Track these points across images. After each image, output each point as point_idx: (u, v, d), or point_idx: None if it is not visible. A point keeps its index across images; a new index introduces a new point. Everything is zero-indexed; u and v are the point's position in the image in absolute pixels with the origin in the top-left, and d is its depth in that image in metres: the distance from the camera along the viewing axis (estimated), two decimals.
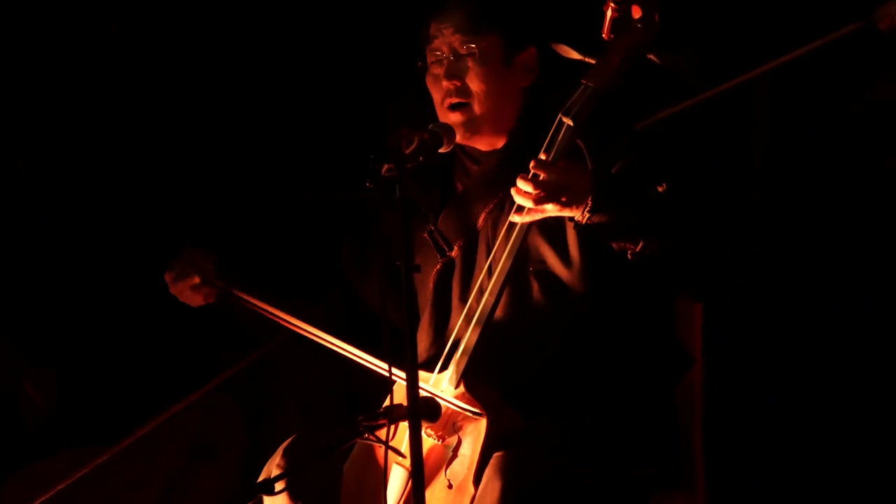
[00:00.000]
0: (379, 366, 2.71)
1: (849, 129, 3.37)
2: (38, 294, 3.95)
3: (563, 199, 2.63)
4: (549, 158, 2.69)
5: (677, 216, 2.69)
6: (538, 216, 2.67)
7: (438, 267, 2.90)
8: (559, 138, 2.71)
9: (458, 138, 2.85)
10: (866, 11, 2.83)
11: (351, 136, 3.92)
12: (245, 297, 2.90)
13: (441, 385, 2.74)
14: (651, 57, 2.72)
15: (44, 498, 3.24)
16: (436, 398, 2.69)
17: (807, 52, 3.01)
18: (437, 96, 2.89)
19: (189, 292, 2.94)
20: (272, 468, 2.78)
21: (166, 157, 4.08)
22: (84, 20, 4.03)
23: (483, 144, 2.90)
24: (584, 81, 2.72)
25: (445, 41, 2.84)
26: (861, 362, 3.42)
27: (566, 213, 2.65)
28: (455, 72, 2.84)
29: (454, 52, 2.84)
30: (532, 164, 2.65)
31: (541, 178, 2.63)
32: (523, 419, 2.67)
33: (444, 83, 2.84)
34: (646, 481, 2.73)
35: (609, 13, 2.70)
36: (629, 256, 2.66)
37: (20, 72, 3.99)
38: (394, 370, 2.56)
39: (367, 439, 2.55)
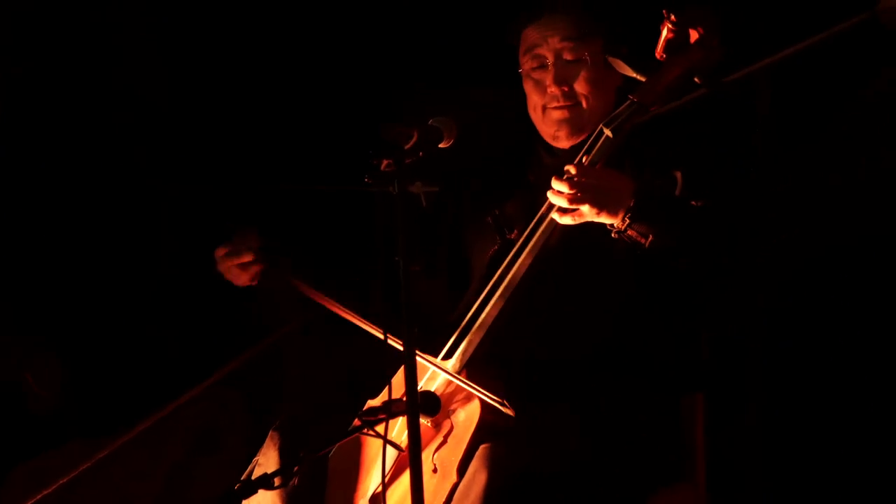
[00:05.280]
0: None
1: (846, 125, 3.35)
2: (44, 284, 3.96)
3: (601, 203, 2.65)
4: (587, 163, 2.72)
5: (711, 230, 2.71)
6: (577, 219, 2.68)
7: (495, 247, 2.94)
8: (596, 147, 2.74)
9: (563, 138, 2.92)
10: (870, 3, 2.81)
11: (362, 128, 3.91)
12: (290, 279, 2.91)
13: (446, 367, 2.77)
14: (697, 80, 2.72)
15: (50, 489, 3.26)
16: (446, 375, 2.72)
17: (810, 45, 2.99)
18: (537, 100, 2.94)
19: (237, 270, 2.94)
20: (266, 461, 2.80)
21: (176, 148, 4.09)
22: (94, 14, 4.03)
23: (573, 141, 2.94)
24: (630, 97, 2.75)
25: (550, 47, 2.89)
26: (861, 357, 3.41)
27: (604, 217, 2.67)
28: (563, 77, 2.89)
29: (559, 57, 2.88)
30: (570, 167, 2.67)
31: (576, 179, 2.65)
32: (518, 413, 2.67)
33: (552, 89, 2.89)
34: (640, 478, 2.73)
35: (665, 32, 2.71)
36: (646, 246, 2.67)
37: (32, 65, 4.00)
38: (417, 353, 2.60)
39: (366, 434, 2.56)
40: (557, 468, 2.60)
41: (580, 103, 2.90)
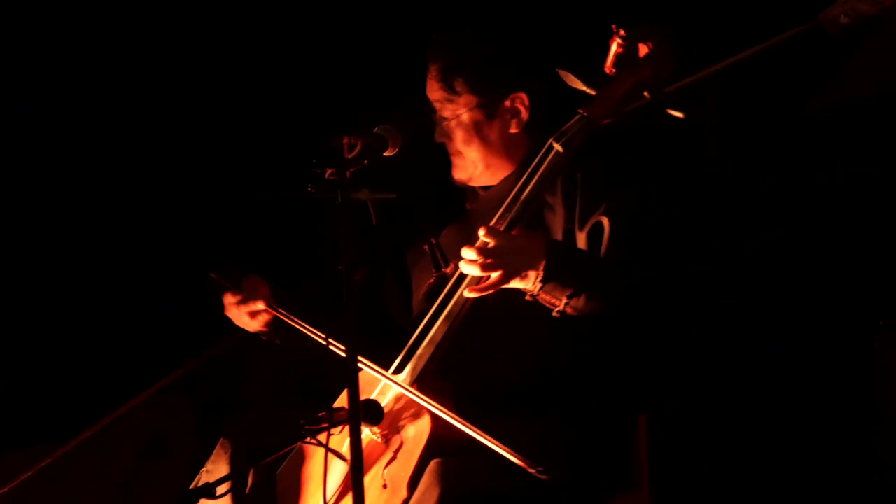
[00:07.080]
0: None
1: (786, 141, 3.36)
2: None
3: (513, 270, 2.63)
4: (534, 184, 2.71)
5: (628, 283, 2.69)
6: (489, 291, 2.66)
7: (431, 280, 2.94)
8: (546, 163, 2.73)
9: (458, 184, 2.98)
10: (812, 14, 2.82)
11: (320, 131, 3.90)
12: (296, 321, 2.91)
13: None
14: (646, 94, 2.70)
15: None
16: (400, 388, 2.72)
17: (756, 54, 3.00)
18: None
19: (247, 317, 2.96)
20: (216, 468, 2.79)
21: (127, 150, 4.07)
22: (57, 14, 4.02)
23: (489, 181, 2.98)
24: (580, 111, 2.74)
25: (435, 103, 2.94)
26: (800, 367, 3.43)
27: (517, 283, 2.65)
28: (442, 132, 2.95)
29: (439, 114, 2.94)
30: (482, 230, 2.65)
31: (489, 245, 2.63)
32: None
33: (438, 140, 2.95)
34: (591, 488, 2.73)
35: (614, 47, 2.70)
36: (554, 314, 2.67)
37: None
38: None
39: (309, 443, 2.56)
40: (510, 483, 2.60)
41: (460, 157, 2.96)
